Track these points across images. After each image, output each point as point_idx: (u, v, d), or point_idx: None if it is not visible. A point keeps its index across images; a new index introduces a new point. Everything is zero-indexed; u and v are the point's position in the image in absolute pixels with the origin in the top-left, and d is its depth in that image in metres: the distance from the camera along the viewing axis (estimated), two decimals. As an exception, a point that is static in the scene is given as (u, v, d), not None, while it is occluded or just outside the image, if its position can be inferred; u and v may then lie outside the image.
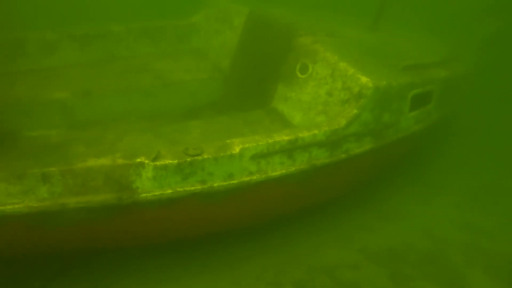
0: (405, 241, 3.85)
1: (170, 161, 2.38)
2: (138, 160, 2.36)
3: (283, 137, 2.84)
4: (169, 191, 2.45)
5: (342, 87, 3.45)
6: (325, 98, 3.58)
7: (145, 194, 2.42)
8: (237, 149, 2.64)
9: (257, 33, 4.30)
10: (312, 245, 3.56)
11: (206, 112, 3.98)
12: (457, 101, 5.14)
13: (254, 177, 2.79)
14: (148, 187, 2.42)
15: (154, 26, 4.47)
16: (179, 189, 2.48)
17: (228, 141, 2.70)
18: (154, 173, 2.40)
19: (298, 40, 3.88)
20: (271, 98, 4.09)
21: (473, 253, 3.84)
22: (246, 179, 2.76)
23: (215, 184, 2.64)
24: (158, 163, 2.39)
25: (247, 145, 2.70)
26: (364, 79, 3.31)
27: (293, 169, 2.96)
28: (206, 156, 2.53)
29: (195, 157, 2.49)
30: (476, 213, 4.47)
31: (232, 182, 2.71)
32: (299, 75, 3.82)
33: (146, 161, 2.38)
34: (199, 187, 2.57)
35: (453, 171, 5.28)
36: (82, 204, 2.22)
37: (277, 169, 2.90)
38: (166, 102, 3.97)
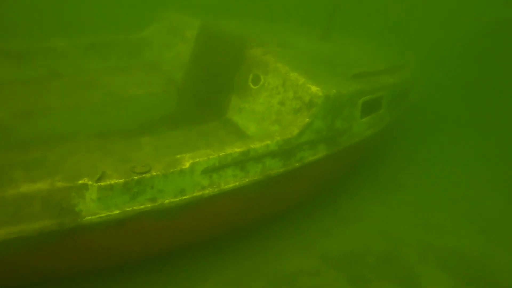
0: (363, 243, 3.94)
1: (116, 181, 2.29)
2: (81, 182, 2.26)
3: (235, 149, 2.83)
4: (116, 211, 2.36)
5: (293, 96, 3.51)
6: (278, 108, 3.62)
7: (90, 217, 2.31)
8: (187, 164, 2.60)
9: (210, 45, 4.30)
10: (272, 255, 3.55)
11: (160, 127, 3.90)
12: (406, 105, 5.38)
13: (207, 191, 2.76)
14: (93, 209, 2.32)
15: (103, 41, 4.34)
16: (127, 209, 2.40)
17: (178, 156, 2.65)
18: (99, 194, 2.30)
19: (249, 52, 3.92)
20: (226, 110, 4.09)
21: (427, 251, 4.00)
22: (199, 193, 2.72)
23: (166, 201, 2.58)
24: (102, 183, 2.30)
25: (197, 160, 2.66)
26: (314, 88, 3.39)
27: (247, 180, 2.95)
28: (155, 173, 2.47)
29: (143, 175, 2.41)
30: (428, 211, 4.67)
31: (184, 197, 2.66)
32: (252, 86, 3.85)
33: (90, 182, 2.28)
34: (149, 205, 2.50)
35: (406, 171, 5.51)
36: (14, 235, 2.07)
37: (230, 181, 2.88)
38: (118, 119, 3.85)
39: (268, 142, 3.01)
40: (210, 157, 2.71)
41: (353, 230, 4.11)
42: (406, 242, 4.08)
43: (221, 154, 2.76)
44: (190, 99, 4.38)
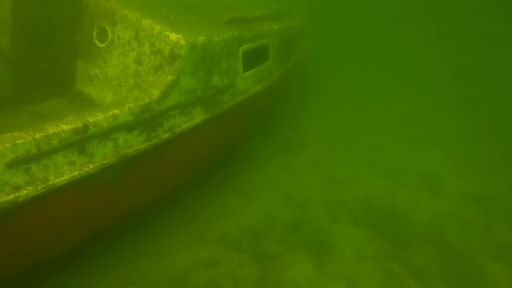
0: (267, 215, 3.46)
1: None
2: None
3: (62, 127, 1.99)
4: None
5: (151, 50, 2.72)
6: (135, 68, 2.81)
7: None
8: (-28, 158, 1.69)
9: (36, -3, 3.21)
10: (155, 253, 2.84)
11: None
12: (298, 55, 4.97)
13: (25, 192, 1.88)
14: None
15: None
16: None
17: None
18: None
19: (88, -1, 2.97)
20: (73, 81, 3.14)
21: (335, 207, 3.70)
22: (8, 198, 1.83)
23: None
24: None
25: (-5, 148, 1.76)
26: (174, 36, 2.64)
27: (92, 167, 2.14)
28: None
29: None
30: (333, 167, 4.41)
31: (-20, 209, 1.76)
32: (98, 44, 2.95)
33: None
34: None
35: (306, 127, 5.20)
36: None
37: (65, 172, 2.04)
38: None
39: (116, 111, 2.22)
40: (19, 141, 1.83)
41: (255, 202, 3.59)
42: (314, 203, 3.72)
43: (38, 136, 1.89)
44: (26, 72, 3.28)
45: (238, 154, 4.15)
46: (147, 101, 2.39)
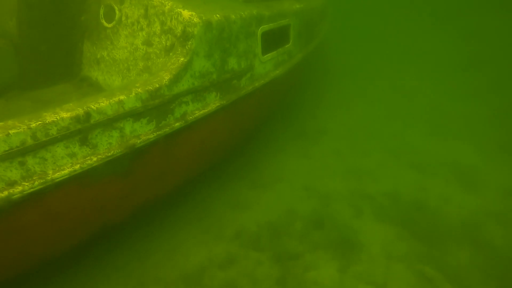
0: (286, 209, 3.21)
1: None
2: None
3: (62, 115, 1.77)
4: None
5: (161, 30, 2.47)
6: (145, 50, 2.57)
7: None
8: (-42, 151, 1.49)
9: (39, -26, 2.98)
10: (167, 250, 2.65)
11: None
12: (320, 38, 4.63)
13: (20, 189, 1.69)
14: None
15: None
16: None
17: None
18: None
19: (93, -26, 2.73)
20: (79, 64, 2.92)
21: (360, 201, 3.42)
22: (1, 195, 1.64)
23: None
24: None
25: (-15, 140, 1.56)
26: (186, 13, 2.38)
27: (95, 159, 1.93)
28: None
29: None
30: (355, 157, 4.11)
31: (-31, 208, 1.57)
32: (106, 24, 2.71)
33: None
34: None
35: (326, 114, 4.89)
36: None
37: (65, 166, 1.83)
38: None
39: (122, 97, 1.99)
40: (12, 131, 1.63)
41: (273, 194, 3.35)
42: (336, 196, 3.45)
43: (34, 125, 1.68)
44: (33, 56, 3.09)
45: (255, 143, 3.90)
46: (157, 85, 2.14)
